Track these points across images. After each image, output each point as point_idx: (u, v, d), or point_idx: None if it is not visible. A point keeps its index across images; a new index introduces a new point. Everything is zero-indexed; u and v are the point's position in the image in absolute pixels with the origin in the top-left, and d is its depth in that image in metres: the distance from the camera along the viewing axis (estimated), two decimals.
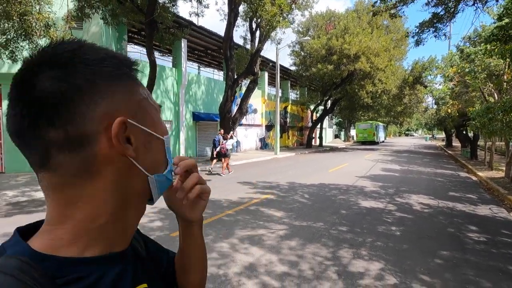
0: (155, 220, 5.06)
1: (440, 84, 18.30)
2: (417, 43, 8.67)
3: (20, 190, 7.67)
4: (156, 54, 21.48)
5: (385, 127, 48.77)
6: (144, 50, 16.39)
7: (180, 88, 16.26)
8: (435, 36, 8.33)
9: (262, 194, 7.33)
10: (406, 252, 3.96)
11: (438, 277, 3.29)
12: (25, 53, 7.99)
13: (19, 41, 6.62)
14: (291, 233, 4.57)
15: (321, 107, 29.83)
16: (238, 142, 11.57)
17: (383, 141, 43.72)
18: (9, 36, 6.55)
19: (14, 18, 5.61)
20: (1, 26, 6.14)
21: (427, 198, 7.18)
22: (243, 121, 21.51)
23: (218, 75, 24.62)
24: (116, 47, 13.70)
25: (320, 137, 29.77)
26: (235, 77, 13.80)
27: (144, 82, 13.70)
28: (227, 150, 10.65)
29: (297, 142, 31.67)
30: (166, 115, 15.71)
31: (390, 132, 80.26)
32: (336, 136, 48.58)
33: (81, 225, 0.42)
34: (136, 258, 0.51)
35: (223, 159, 10.74)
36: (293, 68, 26.09)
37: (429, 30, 8.22)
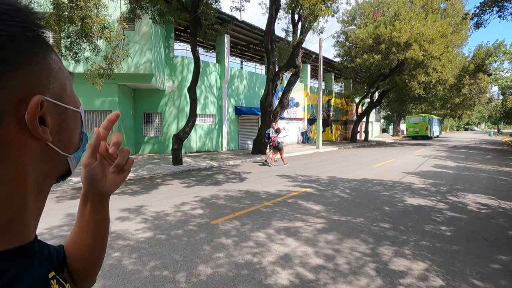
0: (196, 208, 5.33)
1: (507, 72, 16.22)
2: (477, 25, 7.75)
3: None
4: (201, 50, 22.27)
5: (440, 121, 44.73)
6: (189, 47, 17.15)
7: (223, 82, 16.69)
8: (500, 17, 7.35)
9: (301, 187, 7.27)
10: (456, 253, 3.65)
11: (492, 283, 2.99)
12: (86, 54, 8.86)
13: (80, 42, 7.39)
14: (328, 227, 4.48)
15: (367, 100, 28.40)
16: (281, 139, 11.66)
17: (437, 136, 40.25)
18: (72, 39, 7.34)
19: (76, 22, 6.30)
20: (66, 30, 6.91)
21: (486, 198, 6.49)
22: (285, 114, 21.43)
23: (260, 69, 24.73)
24: (164, 45, 14.50)
25: (366, 131, 28.41)
26: (276, 70, 13.74)
27: (189, 78, 14.32)
28: (278, 143, 10.99)
29: (341, 136, 30.64)
30: (210, 109, 16.27)
31: (446, 126, 73.46)
32: (384, 131, 45.93)
33: None
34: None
35: (272, 151, 11.29)
36: (337, 59, 25.16)
37: (492, 10, 7.28)
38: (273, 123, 12.01)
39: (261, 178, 8.48)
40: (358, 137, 28.22)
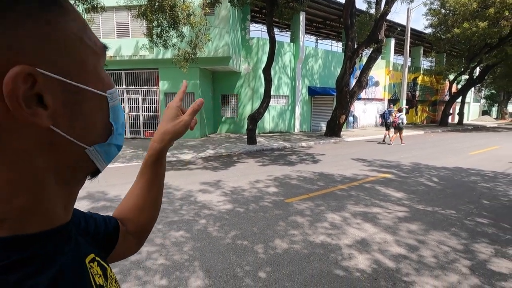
0: (270, 186, 5.52)
1: None
2: None
3: (170, 153, 9.72)
4: (275, 30, 22.11)
5: None
6: (264, 28, 17.16)
7: (297, 62, 16.38)
8: None
9: (379, 172, 6.82)
10: None
11: None
12: (174, 40, 9.72)
13: (169, 30, 8.14)
14: (411, 216, 4.15)
15: (464, 77, 24.40)
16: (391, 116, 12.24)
17: None
18: (162, 27, 8.12)
19: (167, 10, 6.96)
20: (157, 19, 7.66)
21: None
22: (362, 95, 20.02)
23: (337, 47, 23.41)
24: (241, 27, 14.85)
25: (461, 113, 24.65)
26: (356, 47, 12.80)
27: (264, 59, 14.49)
28: (398, 123, 11.57)
29: (428, 119, 27.28)
30: (283, 90, 16.26)
31: None
32: (485, 113, 39.10)
33: None
34: (77, 229, 0.45)
35: (393, 131, 11.98)
36: (428, 30, 22.00)
37: None
38: (391, 104, 13.22)
39: (336, 161, 8.24)
40: (450, 120, 24.66)
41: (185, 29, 9.84)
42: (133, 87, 13.84)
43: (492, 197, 5.05)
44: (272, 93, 15.82)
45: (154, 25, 8.29)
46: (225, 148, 10.71)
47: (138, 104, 13.94)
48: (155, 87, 13.70)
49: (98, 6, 9.28)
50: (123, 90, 13.85)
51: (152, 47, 9.29)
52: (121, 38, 12.98)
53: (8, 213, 0.32)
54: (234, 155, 9.58)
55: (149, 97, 13.87)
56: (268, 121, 15.92)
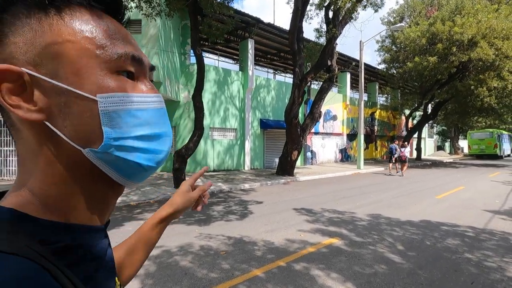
0: (134, 278, 3.18)
1: None
2: None
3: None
4: (230, 61, 20.84)
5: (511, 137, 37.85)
6: (212, 56, 15.56)
7: (246, 92, 14.80)
8: None
9: (324, 235, 4.75)
10: None
11: None
12: None
13: None
14: None
15: (419, 113, 24.56)
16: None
17: (508, 155, 33.84)
18: None
19: None
20: None
21: None
22: (320, 129, 18.85)
23: (291, 78, 22.56)
24: (179, 52, 13.11)
25: (418, 149, 24.39)
26: (304, 74, 11.46)
27: (207, 87, 12.69)
28: (406, 157, 13.27)
29: (387, 154, 26.80)
30: (231, 122, 14.39)
31: None
32: (439, 148, 40.33)
33: (36, 191, 0.35)
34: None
35: (400, 164, 13.56)
36: (381, 66, 22.06)
37: None
38: (396, 140, 15.55)
39: (271, 214, 6.10)
40: (408, 155, 24.23)
41: None
42: None
43: (488, 282, 3.12)
44: (217, 125, 13.90)
45: None
46: (141, 194, 8.24)
47: None
48: None
49: None
50: None
51: None
52: None
53: (51, 198, 0.35)
54: (145, 204, 7.14)
55: None
56: (212, 157, 13.73)
